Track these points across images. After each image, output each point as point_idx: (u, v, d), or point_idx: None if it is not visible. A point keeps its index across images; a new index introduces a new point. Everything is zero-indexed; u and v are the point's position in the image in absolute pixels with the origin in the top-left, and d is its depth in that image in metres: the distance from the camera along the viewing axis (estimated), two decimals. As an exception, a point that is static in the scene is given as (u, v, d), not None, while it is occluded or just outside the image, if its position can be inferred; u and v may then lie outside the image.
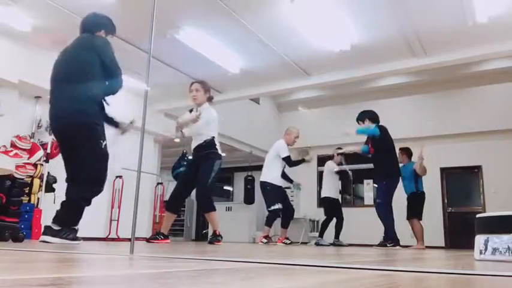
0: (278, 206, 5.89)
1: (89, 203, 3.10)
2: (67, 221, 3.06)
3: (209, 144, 4.41)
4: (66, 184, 3.17)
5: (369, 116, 5.94)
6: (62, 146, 3.22)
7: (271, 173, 6.06)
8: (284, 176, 6.29)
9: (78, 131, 3.01)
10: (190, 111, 4.65)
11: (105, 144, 3.12)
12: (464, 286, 0.94)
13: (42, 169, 5.83)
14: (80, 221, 3.16)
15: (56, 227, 2.99)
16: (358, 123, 6.03)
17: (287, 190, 6.90)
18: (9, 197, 4.23)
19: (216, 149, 4.44)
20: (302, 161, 6.38)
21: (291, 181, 6.56)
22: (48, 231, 2.99)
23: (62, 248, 2.22)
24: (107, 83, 3.17)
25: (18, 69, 5.87)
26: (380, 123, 5.95)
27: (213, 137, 4.45)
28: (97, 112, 3.09)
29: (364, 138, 6.16)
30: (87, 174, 3.06)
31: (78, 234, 3.19)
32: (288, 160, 6.06)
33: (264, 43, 6.09)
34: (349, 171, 7.28)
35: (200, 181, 4.37)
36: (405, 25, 5.61)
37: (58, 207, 3.15)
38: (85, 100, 3.01)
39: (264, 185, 6.04)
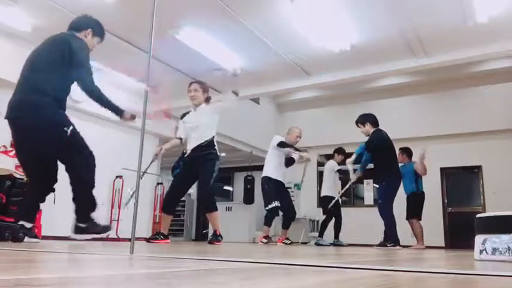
0: (275, 204, 5.78)
1: (93, 183, 3.13)
2: (88, 212, 3.11)
3: (210, 144, 4.40)
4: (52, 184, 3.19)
5: (369, 119, 5.91)
6: (18, 140, 3.12)
7: (268, 168, 6.02)
8: (288, 145, 5.97)
9: (35, 119, 2.94)
10: (182, 116, 4.63)
11: (72, 129, 3.02)
12: (464, 286, 0.94)
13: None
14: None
15: (83, 225, 3.08)
16: (358, 126, 6.00)
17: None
18: (9, 197, 4.23)
19: (216, 149, 4.44)
20: (296, 149, 6.08)
21: (297, 149, 6.08)
22: (77, 230, 3.08)
23: (61, 248, 2.22)
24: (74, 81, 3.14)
25: (18, 69, 5.87)
26: (379, 127, 5.93)
27: (213, 137, 4.45)
28: (52, 105, 3.01)
29: (361, 138, 6.13)
30: (70, 164, 3.03)
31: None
32: (281, 144, 5.89)
33: (264, 43, 6.08)
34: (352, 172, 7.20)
35: (203, 182, 4.37)
36: (405, 25, 5.60)
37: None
38: (41, 93, 2.98)
39: (262, 181, 6.00)
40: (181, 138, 4.55)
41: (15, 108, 3.04)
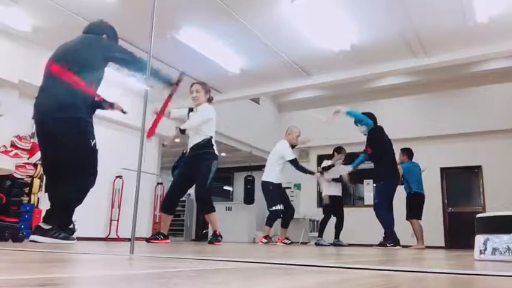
0: (279, 206, 5.88)
1: (80, 202, 3.11)
2: (58, 220, 3.08)
3: (206, 143, 4.40)
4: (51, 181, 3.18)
5: (368, 117, 5.93)
6: (45, 139, 3.14)
7: (272, 173, 6.06)
8: (302, 169, 6.25)
9: (66, 124, 2.98)
10: (190, 110, 4.66)
11: (95, 143, 3.09)
12: (464, 286, 0.94)
13: (42, 169, 5.83)
14: (76, 220, 3.17)
15: (45, 226, 3.00)
16: (356, 124, 6.02)
17: (287, 190, 6.88)
18: (9, 197, 4.22)
19: (213, 149, 4.43)
20: (311, 173, 6.35)
21: (311, 173, 6.44)
22: (38, 230, 3.00)
23: (61, 248, 2.22)
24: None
25: (19, 69, 5.88)
26: (378, 125, 5.94)
27: (211, 137, 4.45)
28: (88, 110, 3.07)
29: (361, 138, 6.13)
30: (77, 172, 3.04)
31: (76, 234, 3.19)
32: (295, 163, 6.03)
33: (264, 43, 6.09)
34: (344, 177, 7.19)
35: (199, 183, 4.37)
36: (405, 25, 5.60)
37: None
38: (78, 96, 3.00)
39: (265, 185, 6.03)
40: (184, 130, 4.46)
41: (47, 109, 3.04)
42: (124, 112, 3.41)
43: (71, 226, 3.20)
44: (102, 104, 3.29)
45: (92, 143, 3.07)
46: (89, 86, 3.07)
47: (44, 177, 3.34)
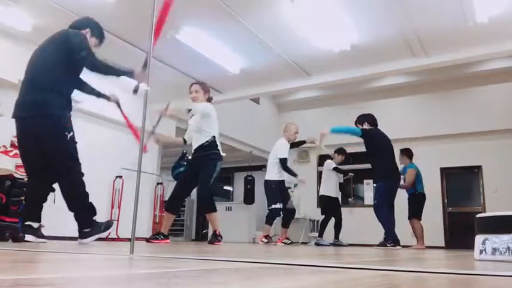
0: (279, 205, 5.91)
1: (86, 192, 3.14)
2: (89, 219, 3.13)
3: (211, 144, 4.41)
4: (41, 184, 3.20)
5: (368, 119, 5.94)
6: (23, 139, 3.13)
7: (273, 171, 6.10)
8: (288, 170, 6.23)
9: (40, 122, 2.99)
10: (189, 110, 4.66)
11: (72, 136, 3.08)
12: (464, 286, 0.94)
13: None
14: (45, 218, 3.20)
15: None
16: (356, 125, 6.02)
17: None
18: (9, 197, 4.23)
19: (218, 150, 4.45)
20: (294, 174, 6.28)
21: (294, 174, 6.38)
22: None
23: (61, 248, 2.22)
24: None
25: (18, 69, 5.87)
26: (377, 127, 5.94)
27: (214, 137, 4.45)
28: (61, 104, 3.06)
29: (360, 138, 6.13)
30: (65, 169, 3.07)
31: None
32: (283, 162, 6.03)
33: (264, 43, 6.08)
34: (349, 173, 7.28)
35: (202, 182, 4.38)
36: (405, 25, 5.60)
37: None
38: (48, 92, 3.01)
39: (268, 184, 6.08)
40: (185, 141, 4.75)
41: (23, 108, 3.06)
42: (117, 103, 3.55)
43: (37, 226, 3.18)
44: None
45: (69, 137, 3.05)
46: (60, 82, 3.06)
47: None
